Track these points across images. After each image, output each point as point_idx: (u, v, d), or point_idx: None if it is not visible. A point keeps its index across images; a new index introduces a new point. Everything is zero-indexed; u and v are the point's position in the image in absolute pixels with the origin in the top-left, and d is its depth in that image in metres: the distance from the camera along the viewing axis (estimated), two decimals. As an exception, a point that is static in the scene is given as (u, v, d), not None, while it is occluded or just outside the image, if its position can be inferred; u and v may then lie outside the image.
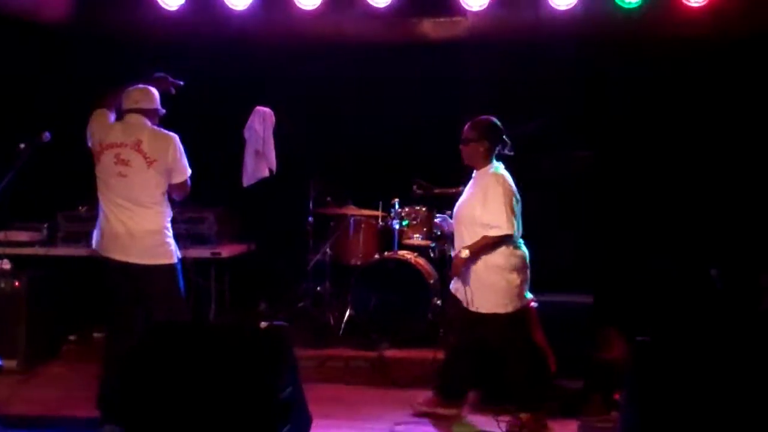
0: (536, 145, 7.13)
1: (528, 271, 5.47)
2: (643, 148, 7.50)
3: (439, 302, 6.95)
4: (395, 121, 7.75)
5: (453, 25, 7.20)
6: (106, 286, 5.46)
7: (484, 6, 6.82)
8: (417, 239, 7.27)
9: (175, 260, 5.38)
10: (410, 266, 6.97)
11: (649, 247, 7.33)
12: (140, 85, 5.45)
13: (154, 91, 5.47)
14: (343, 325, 7.07)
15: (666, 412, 4.04)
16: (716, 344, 4.25)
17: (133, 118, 5.37)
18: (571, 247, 7.01)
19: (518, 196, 5.39)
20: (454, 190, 7.06)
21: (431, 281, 6.97)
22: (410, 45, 7.47)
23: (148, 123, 5.37)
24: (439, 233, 7.04)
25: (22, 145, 5.49)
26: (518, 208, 5.39)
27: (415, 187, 7.08)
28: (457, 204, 5.60)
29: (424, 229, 7.26)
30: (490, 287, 5.33)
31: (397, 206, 7.19)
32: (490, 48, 7.28)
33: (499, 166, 5.45)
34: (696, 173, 7.39)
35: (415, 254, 7.17)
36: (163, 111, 5.51)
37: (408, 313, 6.93)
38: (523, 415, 5.33)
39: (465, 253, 5.29)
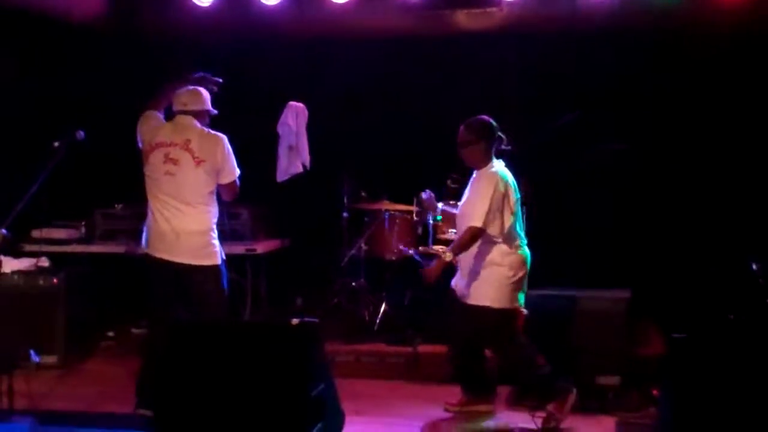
0: (572, 138, 7.05)
1: (525, 275, 5.44)
2: (680, 141, 7.37)
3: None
4: (429, 114, 7.67)
5: (487, 17, 7.12)
6: (148, 283, 5.49)
7: (519, -4, 6.80)
8: (452, 234, 7.16)
9: (219, 261, 5.40)
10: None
11: (688, 241, 7.20)
12: (189, 87, 5.48)
13: (204, 92, 5.50)
14: (377, 321, 7.03)
15: (702, 408, 3.96)
16: (754, 340, 4.17)
17: (183, 119, 5.42)
18: (608, 242, 6.92)
19: (515, 195, 5.37)
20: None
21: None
22: (444, 37, 7.41)
23: (198, 124, 5.41)
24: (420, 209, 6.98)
25: (56, 144, 5.53)
26: (517, 207, 5.38)
27: (449, 181, 7.02)
28: (459, 208, 5.62)
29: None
30: (483, 280, 5.34)
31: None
32: (525, 40, 7.19)
33: (497, 165, 5.43)
34: (735, 166, 7.24)
35: (450, 249, 7.10)
36: (215, 112, 5.56)
37: (442, 309, 6.87)
38: (550, 406, 5.31)
39: (448, 256, 5.33)
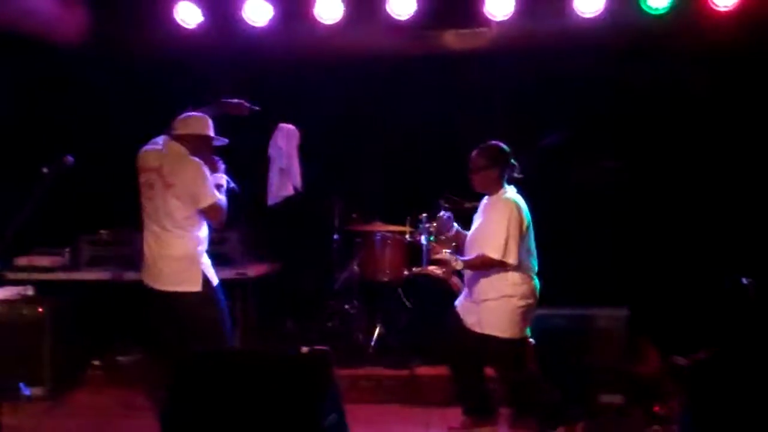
0: (564, 156, 7.05)
1: (535, 304, 5.40)
2: (672, 157, 7.41)
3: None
4: (421, 134, 7.67)
5: (477, 36, 7.11)
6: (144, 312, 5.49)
7: (509, 15, 6.78)
8: (446, 254, 7.13)
9: (199, 288, 5.31)
10: (440, 282, 6.85)
11: (683, 257, 7.22)
12: (187, 113, 5.46)
13: (199, 118, 5.45)
14: (373, 344, 6.95)
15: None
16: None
17: (169, 144, 5.41)
18: (604, 260, 6.91)
19: (529, 224, 5.33)
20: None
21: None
22: (433, 57, 7.38)
23: (182, 149, 5.35)
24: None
25: (45, 170, 5.43)
26: (530, 237, 5.33)
27: (442, 201, 6.98)
28: (470, 233, 5.56)
29: (453, 244, 7.12)
30: (493, 310, 5.29)
31: (425, 221, 7.07)
32: (515, 59, 7.18)
33: (510, 191, 5.39)
34: (727, 181, 7.28)
35: (444, 270, 7.03)
36: (222, 140, 5.55)
37: (439, 330, 6.80)
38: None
39: (459, 265, 5.31)
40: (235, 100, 5.71)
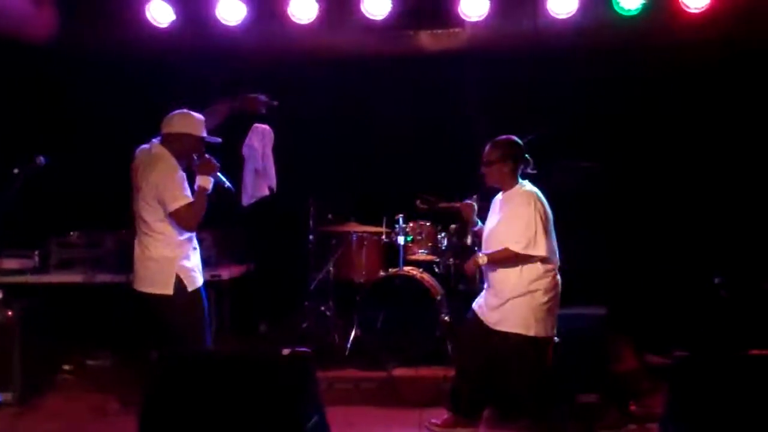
0: (538, 156, 7.06)
1: (557, 298, 5.37)
2: (648, 157, 7.47)
3: (447, 318, 6.83)
4: (396, 134, 7.66)
5: (451, 37, 7.11)
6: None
7: (483, 16, 6.80)
8: (422, 254, 7.14)
9: (170, 292, 5.24)
10: (417, 282, 6.85)
11: (656, 256, 7.28)
12: (176, 111, 5.37)
13: (185, 115, 5.35)
14: (349, 345, 6.91)
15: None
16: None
17: (153, 144, 5.34)
18: (581, 259, 6.93)
19: (551, 216, 5.31)
20: (458, 204, 6.98)
21: (438, 297, 6.85)
22: (408, 57, 7.36)
23: (162, 150, 5.28)
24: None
25: (16, 170, 5.36)
26: (552, 230, 5.31)
27: (418, 201, 6.97)
28: (487, 228, 5.49)
29: (429, 244, 7.14)
30: (517, 306, 5.23)
31: (401, 222, 7.07)
32: (490, 59, 7.20)
33: (527, 185, 5.36)
34: (702, 181, 7.37)
35: (421, 270, 7.06)
36: (214, 139, 5.47)
37: (415, 331, 6.80)
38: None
39: (483, 259, 5.26)
40: (252, 95, 5.70)
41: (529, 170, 5.45)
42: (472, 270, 5.40)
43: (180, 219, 5.21)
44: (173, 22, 6.95)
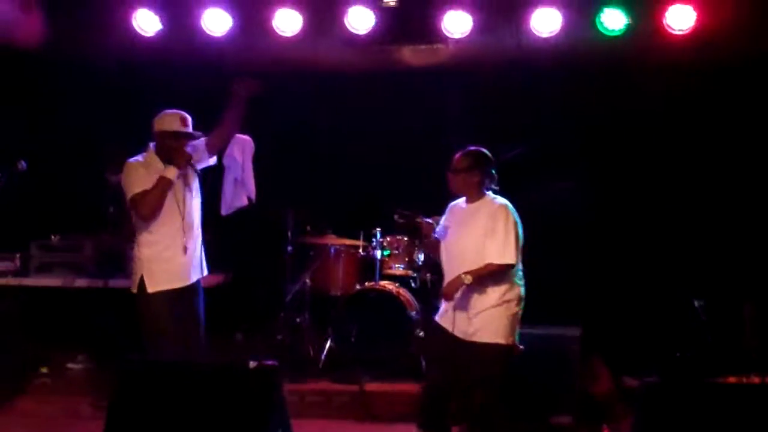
0: (518, 175, 7.06)
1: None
2: (626, 177, 7.45)
3: (421, 334, 6.81)
4: (376, 148, 7.66)
5: (434, 53, 7.16)
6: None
7: (466, 33, 6.82)
8: (399, 269, 7.14)
9: (135, 290, 5.34)
10: (392, 297, 6.85)
11: (635, 278, 7.26)
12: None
13: (163, 115, 5.42)
14: (323, 358, 6.91)
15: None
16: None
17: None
18: (557, 279, 6.92)
19: (520, 227, 5.29)
20: (419, 221, 6.96)
21: (413, 312, 6.85)
22: (390, 72, 7.41)
23: (150, 152, 5.41)
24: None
25: (-2, 175, 5.42)
26: (521, 241, 5.30)
27: (396, 216, 6.97)
28: (452, 239, 5.42)
29: (406, 259, 7.14)
30: (496, 317, 5.16)
31: (378, 236, 7.08)
32: (472, 76, 7.22)
33: (498, 197, 5.34)
34: (680, 202, 7.35)
35: (397, 285, 7.04)
36: (194, 132, 5.48)
37: (390, 346, 6.79)
38: None
39: (468, 279, 5.14)
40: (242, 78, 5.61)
41: (493, 186, 5.42)
42: (452, 295, 5.32)
43: (135, 208, 5.31)
44: (159, 31, 7.04)
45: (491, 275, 5.15)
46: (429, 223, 5.70)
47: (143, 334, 5.29)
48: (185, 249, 5.40)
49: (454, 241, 5.39)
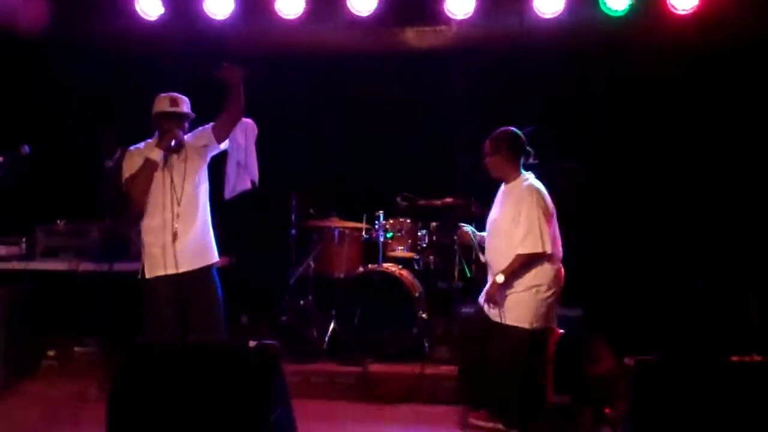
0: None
1: (560, 290, 5.39)
2: (630, 158, 7.43)
3: (424, 315, 6.84)
4: (379, 131, 7.68)
5: (437, 35, 7.16)
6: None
7: (469, 14, 6.80)
8: (401, 251, 7.16)
9: (138, 276, 5.41)
10: (395, 279, 6.86)
11: (637, 257, 7.25)
12: None
13: (156, 98, 5.46)
14: (326, 340, 6.94)
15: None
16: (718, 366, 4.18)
17: None
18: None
19: (552, 209, 5.35)
20: (439, 202, 7.00)
21: (416, 294, 6.85)
22: (394, 54, 7.40)
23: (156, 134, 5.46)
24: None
25: (1, 159, 5.42)
26: (554, 222, 5.34)
27: (399, 198, 7.00)
28: (492, 217, 5.53)
29: (409, 241, 7.15)
30: (521, 301, 5.26)
31: (381, 218, 7.09)
32: (475, 57, 7.21)
33: (530, 178, 5.38)
34: (683, 182, 7.33)
35: (400, 267, 7.05)
36: (181, 110, 5.49)
37: (393, 327, 6.82)
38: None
39: (500, 279, 5.25)
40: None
41: (531, 161, 5.46)
42: (495, 297, 5.29)
43: (126, 192, 5.37)
44: (162, 15, 7.04)
45: (524, 265, 5.23)
46: (464, 232, 5.82)
47: (144, 318, 5.34)
48: (175, 235, 5.37)
49: (492, 220, 5.53)
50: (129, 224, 5.98)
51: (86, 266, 6.82)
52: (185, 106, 5.48)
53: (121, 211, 5.81)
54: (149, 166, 5.29)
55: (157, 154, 5.31)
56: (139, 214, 5.41)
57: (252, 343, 4.27)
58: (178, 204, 5.37)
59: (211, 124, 5.56)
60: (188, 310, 5.39)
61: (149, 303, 5.35)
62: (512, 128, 5.47)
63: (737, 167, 7.25)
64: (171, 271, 5.37)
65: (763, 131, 7.16)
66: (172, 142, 5.32)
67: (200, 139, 5.52)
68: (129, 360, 4.37)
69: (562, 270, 5.41)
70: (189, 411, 4.12)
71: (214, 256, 5.62)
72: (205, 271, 5.52)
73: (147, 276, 5.35)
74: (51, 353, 7.08)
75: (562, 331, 5.46)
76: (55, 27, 7.03)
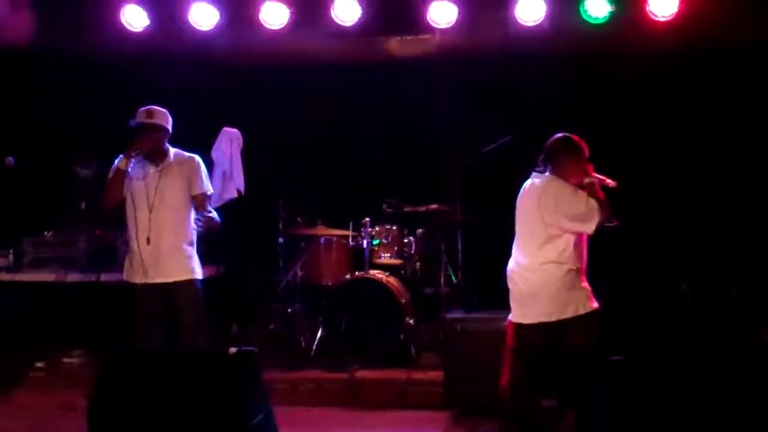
0: (505, 161, 7.09)
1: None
2: (612, 163, 7.46)
3: (411, 322, 6.88)
4: (364, 138, 7.73)
5: (421, 43, 7.21)
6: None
7: (452, 23, 6.84)
8: (388, 258, 7.21)
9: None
10: (382, 286, 6.90)
11: (622, 262, 7.29)
12: None
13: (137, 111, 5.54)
14: (314, 347, 6.96)
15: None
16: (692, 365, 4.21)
17: None
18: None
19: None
20: (424, 209, 7.05)
21: (403, 301, 6.89)
22: (378, 63, 7.45)
23: None
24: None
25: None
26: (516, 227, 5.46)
27: (385, 206, 7.04)
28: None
29: (395, 248, 7.21)
30: (574, 288, 5.29)
31: (368, 225, 7.12)
32: (459, 65, 7.26)
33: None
34: (668, 186, 7.39)
35: (387, 274, 7.09)
36: (134, 121, 5.54)
37: (380, 334, 6.84)
38: None
39: None
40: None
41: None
42: None
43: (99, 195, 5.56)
44: (147, 26, 7.06)
45: None
46: None
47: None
48: (148, 242, 5.43)
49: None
50: (107, 221, 6.04)
51: (74, 277, 6.84)
52: (161, 118, 5.55)
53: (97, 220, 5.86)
54: (115, 175, 5.43)
55: (123, 163, 5.41)
56: (111, 213, 5.55)
57: (232, 350, 4.32)
58: (150, 211, 5.46)
59: (206, 192, 5.74)
60: (170, 320, 5.48)
61: (130, 308, 5.51)
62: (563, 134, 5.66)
63: (723, 172, 7.31)
64: (140, 280, 5.48)
65: (746, 135, 7.23)
66: (134, 153, 5.42)
67: (192, 179, 5.66)
68: (109, 366, 4.41)
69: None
70: (169, 417, 4.14)
71: (194, 272, 5.65)
72: (184, 284, 5.57)
73: (125, 279, 5.54)
74: (39, 364, 7.07)
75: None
76: (42, 39, 7.05)
